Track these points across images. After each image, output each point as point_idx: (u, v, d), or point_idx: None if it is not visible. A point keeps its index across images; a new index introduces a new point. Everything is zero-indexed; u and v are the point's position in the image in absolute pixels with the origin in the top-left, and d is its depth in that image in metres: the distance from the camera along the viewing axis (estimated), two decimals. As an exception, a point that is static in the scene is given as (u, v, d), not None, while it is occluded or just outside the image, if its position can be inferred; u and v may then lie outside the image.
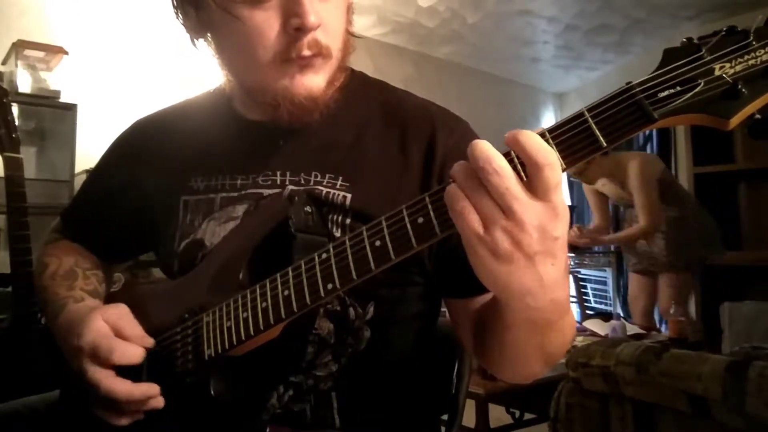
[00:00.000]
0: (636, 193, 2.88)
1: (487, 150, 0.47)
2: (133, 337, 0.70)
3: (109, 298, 0.86)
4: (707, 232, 2.95)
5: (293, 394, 0.75)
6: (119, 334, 0.69)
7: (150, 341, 0.71)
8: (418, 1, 3.44)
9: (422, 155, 0.77)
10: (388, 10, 3.52)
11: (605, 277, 4.41)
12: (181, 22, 0.78)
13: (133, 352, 0.68)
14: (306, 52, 0.70)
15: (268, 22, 0.69)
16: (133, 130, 0.94)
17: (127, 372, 0.68)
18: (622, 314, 4.01)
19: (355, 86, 0.84)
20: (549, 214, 0.47)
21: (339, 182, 0.76)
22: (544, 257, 0.49)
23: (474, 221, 0.48)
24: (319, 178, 0.77)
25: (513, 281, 0.50)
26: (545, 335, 0.61)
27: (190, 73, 2.69)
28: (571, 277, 4.15)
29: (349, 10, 0.78)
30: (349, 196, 0.75)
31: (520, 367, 0.69)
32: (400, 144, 0.78)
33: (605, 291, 4.42)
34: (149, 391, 0.67)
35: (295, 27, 0.68)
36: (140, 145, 0.91)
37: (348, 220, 0.74)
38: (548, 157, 0.46)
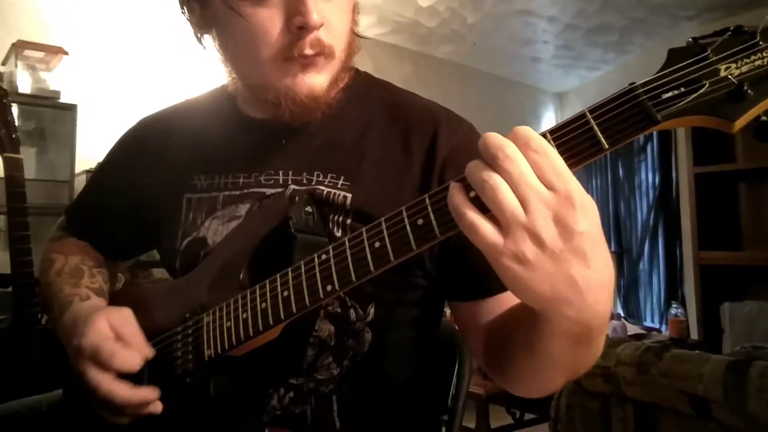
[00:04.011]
0: None
1: (497, 138, 0.46)
2: (134, 344, 0.69)
3: (111, 298, 0.85)
4: None
5: (293, 396, 0.75)
6: (121, 339, 0.69)
7: (150, 352, 0.70)
8: (418, 0, 3.43)
9: (424, 155, 0.76)
10: (387, 10, 3.51)
11: (605, 277, 4.39)
12: (187, 18, 0.78)
13: (132, 359, 0.68)
14: (308, 51, 0.69)
15: (271, 20, 0.69)
16: (137, 128, 0.94)
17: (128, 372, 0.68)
18: (622, 314, 4.01)
19: (359, 87, 0.83)
20: (563, 204, 0.44)
21: (340, 182, 0.76)
22: (571, 256, 0.44)
23: (489, 233, 0.45)
24: (320, 178, 0.77)
25: (545, 288, 0.46)
26: (580, 351, 0.54)
27: (190, 73, 2.68)
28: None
29: (355, 10, 0.77)
30: (349, 196, 0.74)
31: (542, 381, 0.63)
32: (402, 144, 0.78)
33: (605, 291, 4.40)
34: (147, 397, 0.67)
35: (297, 25, 0.68)
36: (144, 142, 0.91)
37: (349, 221, 0.74)
38: (542, 145, 0.46)
